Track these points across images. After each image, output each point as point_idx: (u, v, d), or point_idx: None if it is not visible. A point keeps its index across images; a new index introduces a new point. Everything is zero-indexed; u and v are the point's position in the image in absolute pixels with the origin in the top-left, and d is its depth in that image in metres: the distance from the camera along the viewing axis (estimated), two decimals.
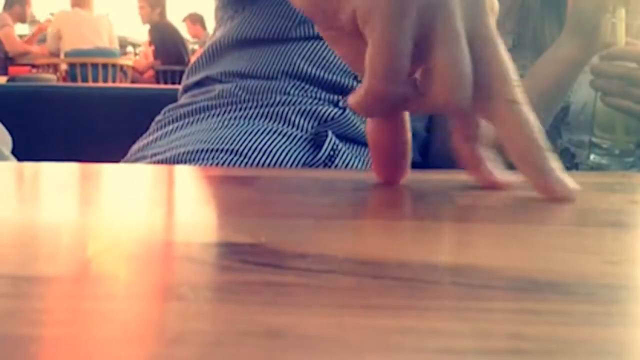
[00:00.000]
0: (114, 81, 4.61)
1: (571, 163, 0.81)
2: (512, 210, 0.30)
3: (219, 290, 0.18)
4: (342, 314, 0.16)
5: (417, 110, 0.34)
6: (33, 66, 5.19)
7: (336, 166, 0.70)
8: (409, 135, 0.36)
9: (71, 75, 4.67)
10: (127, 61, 4.96)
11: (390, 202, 0.31)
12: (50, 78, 4.28)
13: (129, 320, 0.16)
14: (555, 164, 0.32)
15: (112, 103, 1.20)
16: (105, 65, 4.58)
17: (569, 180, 0.31)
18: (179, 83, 0.94)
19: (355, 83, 0.75)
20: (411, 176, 0.36)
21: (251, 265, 0.20)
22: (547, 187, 0.31)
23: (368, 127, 0.36)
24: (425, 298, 0.17)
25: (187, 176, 0.43)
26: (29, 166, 0.48)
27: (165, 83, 5.13)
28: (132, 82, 4.97)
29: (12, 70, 5.08)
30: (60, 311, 0.16)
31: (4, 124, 0.88)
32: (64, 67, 4.82)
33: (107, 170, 0.44)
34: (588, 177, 0.43)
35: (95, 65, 4.57)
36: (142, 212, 0.29)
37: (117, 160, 0.80)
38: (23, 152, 0.91)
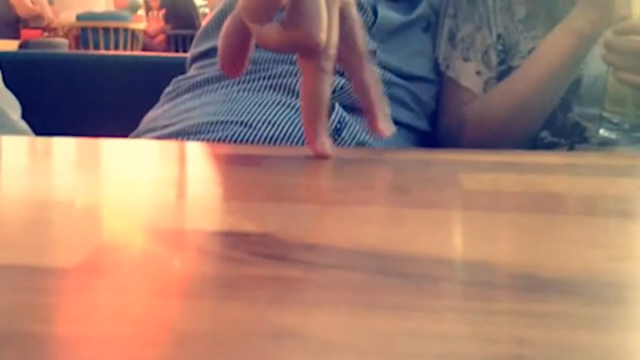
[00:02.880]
0: (125, 46, 4.59)
1: (581, 137, 0.80)
2: (519, 197, 0.30)
3: (226, 287, 0.18)
4: (349, 314, 0.16)
5: (283, 42, 0.39)
6: (44, 30, 5.17)
7: (343, 138, 0.70)
8: (325, 92, 0.42)
9: (83, 39, 4.65)
10: (138, 25, 4.93)
11: (398, 187, 0.31)
12: (62, 42, 4.26)
13: (137, 318, 0.16)
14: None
15: (123, 70, 1.20)
16: (116, 30, 4.55)
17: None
18: (190, 48, 0.94)
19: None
20: (420, 156, 0.36)
21: (259, 258, 0.20)
22: (376, 122, 0.42)
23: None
24: (432, 297, 0.17)
25: (197, 154, 0.43)
26: (41, 141, 0.49)
27: (176, 47, 5.10)
28: (144, 46, 4.95)
29: (24, 33, 5.07)
30: (72, 307, 0.17)
31: (14, 91, 0.89)
32: (75, 31, 4.80)
33: (117, 147, 0.44)
34: (598, 158, 0.43)
35: (106, 30, 4.54)
36: (151, 195, 0.30)
37: (128, 129, 0.81)
38: (34, 119, 0.91)
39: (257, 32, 0.40)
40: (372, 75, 0.45)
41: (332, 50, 0.40)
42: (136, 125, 0.83)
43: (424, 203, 0.28)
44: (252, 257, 0.20)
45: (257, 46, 0.76)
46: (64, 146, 0.47)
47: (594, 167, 0.33)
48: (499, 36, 0.82)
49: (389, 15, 0.78)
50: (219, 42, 0.43)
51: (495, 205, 0.28)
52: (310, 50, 0.39)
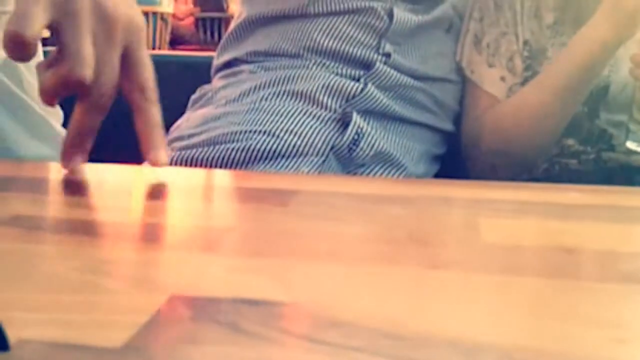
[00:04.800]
0: (154, 29, 4.62)
1: (608, 145, 0.80)
2: (535, 254, 0.31)
3: None
4: None
5: (54, 82, 0.43)
6: None
7: (362, 149, 0.72)
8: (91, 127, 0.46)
9: None
10: (167, 9, 4.95)
11: (418, 239, 0.33)
12: None
13: None
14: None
15: (159, 69, 1.22)
16: (146, 14, 4.57)
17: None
18: (218, 31, 0.95)
19: (376, 56, 0.76)
20: (440, 191, 0.37)
21: (287, 337, 0.22)
22: (151, 155, 0.46)
23: None
24: None
25: (225, 189, 0.45)
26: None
27: (205, 30, 5.11)
28: (172, 29, 4.97)
29: None
30: None
31: None
32: None
33: (148, 176, 0.46)
34: (620, 195, 0.43)
35: None
36: (169, 252, 0.32)
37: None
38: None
39: (39, 81, 0.44)
40: (154, 115, 0.48)
41: (104, 89, 0.44)
42: (165, 125, 0.85)
43: (443, 261, 0.29)
44: (283, 336, 0.22)
45: (274, 54, 0.79)
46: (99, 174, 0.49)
47: (613, 211, 0.34)
48: (525, 42, 0.82)
49: (405, 17, 0.78)
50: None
51: (512, 266, 0.29)
52: (77, 86, 0.43)
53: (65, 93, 0.44)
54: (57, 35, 0.43)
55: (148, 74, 0.48)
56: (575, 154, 0.81)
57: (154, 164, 0.46)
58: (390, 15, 0.77)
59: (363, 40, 0.77)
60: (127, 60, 0.46)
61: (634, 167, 0.80)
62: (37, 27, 0.41)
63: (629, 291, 0.26)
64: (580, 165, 0.82)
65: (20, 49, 0.40)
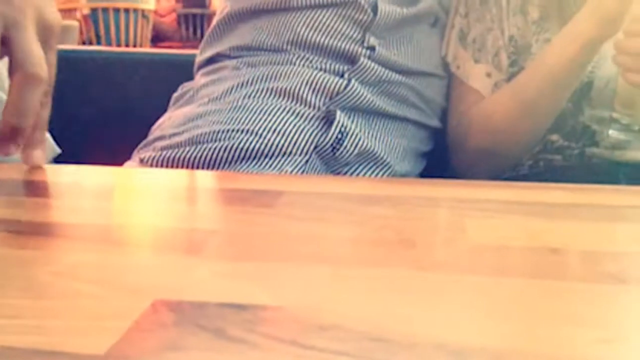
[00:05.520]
0: (135, 26, 4.58)
1: (592, 140, 0.80)
2: (522, 255, 0.31)
3: None
4: None
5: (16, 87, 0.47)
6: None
7: (345, 147, 0.71)
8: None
9: (93, 19, 4.65)
10: (148, 6, 4.91)
11: (405, 240, 0.33)
12: (72, 24, 4.26)
13: None
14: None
15: (133, 68, 1.20)
16: (127, 10, 4.55)
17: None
18: (200, 27, 0.94)
19: (360, 49, 0.76)
20: (426, 191, 0.37)
21: (273, 342, 0.22)
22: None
23: None
24: None
25: (208, 192, 0.45)
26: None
27: (187, 27, 5.08)
28: (154, 25, 4.94)
29: None
30: None
31: None
32: (85, 11, 4.80)
33: (124, 177, 0.46)
34: (601, 194, 0.43)
35: (117, 10, 4.54)
36: (154, 252, 0.31)
37: (138, 128, 0.82)
38: (52, 123, 0.93)
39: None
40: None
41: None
42: (147, 124, 0.84)
43: (431, 263, 0.29)
44: (267, 341, 0.22)
45: (257, 48, 0.78)
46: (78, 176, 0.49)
47: (598, 210, 0.34)
48: (511, 38, 0.82)
49: (390, 9, 0.78)
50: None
51: (499, 267, 0.29)
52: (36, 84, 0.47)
53: (34, 96, 0.48)
54: (8, 44, 0.47)
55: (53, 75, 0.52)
56: (559, 149, 0.81)
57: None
58: (375, 8, 0.77)
59: (347, 34, 0.76)
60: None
61: (617, 162, 0.80)
62: None
63: (615, 291, 0.26)
64: (565, 161, 0.82)
65: None
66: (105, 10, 4.54)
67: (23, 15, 0.48)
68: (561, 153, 0.82)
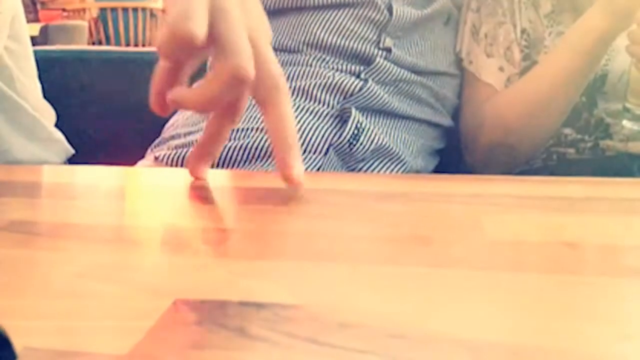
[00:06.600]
0: (144, 25, 4.60)
1: (605, 133, 0.80)
2: (539, 250, 0.31)
3: None
4: None
5: (215, 79, 0.40)
6: (63, 10, 5.19)
7: (362, 144, 0.71)
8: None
9: (102, 19, 4.67)
10: (156, 4, 4.93)
11: (421, 237, 0.33)
12: (81, 25, 4.28)
13: None
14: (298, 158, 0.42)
15: (147, 67, 1.20)
16: (135, 10, 4.57)
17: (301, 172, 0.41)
18: None
19: (376, 50, 0.76)
20: (441, 187, 0.37)
21: (294, 341, 0.22)
22: (287, 166, 0.41)
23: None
24: None
25: (222, 189, 0.45)
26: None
27: None
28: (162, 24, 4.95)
29: (43, 15, 5.09)
30: None
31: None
32: (94, 11, 4.82)
33: (146, 177, 0.46)
34: (618, 186, 0.43)
35: (125, 10, 4.56)
36: (173, 251, 0.31)
37: (156, 131, 0.83)
38: (64, 122, 0.93)
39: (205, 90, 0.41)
40: (288, 114, 0.43)
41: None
42: (157, 123, 0.84)
43: (447, 259, 0.29)
44: (288, 339, 0.22)
45: (273, 48, 0.78)
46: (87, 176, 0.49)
47: (615, 203, 0.34)
48: (523, 31, 0.82)
49: (405, 10, 0.78)
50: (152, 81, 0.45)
51: (516, 263, 0.29)
52: (242, 83, 0.40)
53: (230, 94, 0.41)
54: (211, 32, 0.39)
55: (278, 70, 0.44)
56: (572, 142, 0.81)
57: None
58: (390, 8, 0.77)
59: (363, 35, 0.76)
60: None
61: (631, 154, 0.80)
62: (205, 26, 0.38)
63: (635, 285, 0.26)
64: (578, 154, 0.82)
65: (187, 49, 0.38)
66: (114, 10, 4.57)
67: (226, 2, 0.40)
68: (574, 146, 0.81)
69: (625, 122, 0.78)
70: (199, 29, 0.37)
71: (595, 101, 0.80)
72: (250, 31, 0.41)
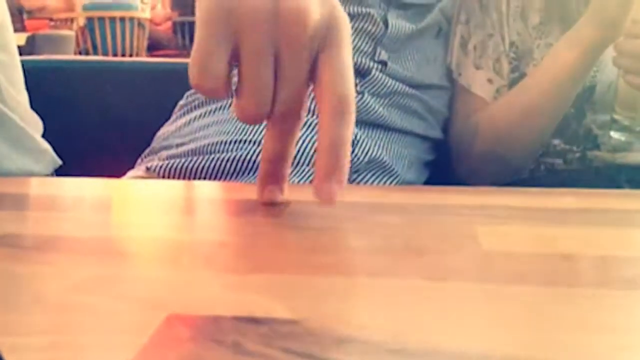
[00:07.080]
0: (132, 35, 4.59)
1: (594, 144, 0.81)
2: (533, 261, 0.31)
3: None
4: None
5: (237, 116, 0.37)
6: (50, 19, 5.17)
7: (356, 155, 0.71)
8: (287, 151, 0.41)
9: (89, 29, 4.66)
10: (144, 14, 4.93)
11: (415, 248, 0.32)
12: (68, 35, 4.26)
13: None
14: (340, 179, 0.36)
15: (136, 77, 1.19)
16: (122, 19, 4.56)
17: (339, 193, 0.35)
18: None
19: (371, 63, 0.76)
20: (433, 198, 0.37)
21: (292, 357, 0.22)
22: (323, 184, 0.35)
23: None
24: None
25: (217, 202, 0.45)
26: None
27: (182, 35, 5.10)
28: (150, 34, 4.95)
29: (29, 25, 5.07)
30: None
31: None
32: (81, 21, 4.81)
33: (136, 189, 0.46)
34: (609, 198, 0.43)
35: (112, 19, 4.56)
36: (165, 265, 0.31)
37: (144, 141, 0.82)
38: (51, 132, 0.92)
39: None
40: (341, 135, 0.36)
41: (280, 107, 0.37)
42: (145, 134, 0.84)
43: (442, 271, 0.29)
44: (287, 356, 0.22)
45: None
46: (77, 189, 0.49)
47: (608, 215, 0.34)
48: (512, 43, 0.83)
49: (399, 24, 0.78)
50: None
51: (512, 275, 0.29)
52: (255, 122, 0.38)
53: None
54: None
55: (344, 82, 0.37)
56: (560, 153, 0.82)
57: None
58: (386, 21, 0.77)
59: (359, 47, 0.76)
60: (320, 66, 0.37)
61: (619, 165, 0.80)
62: (223, 68, 0.35)
63: (631, 296, 0.26)
64: (566, 165, 0.82)
65: (212, 92, 0.36)
66: (101, 19, 4.56)
67: (254, 13, 0.35)
68: (562, 157, 0.82)
69: (612, 133, 0.79)
70: (217, 82, 0.35)
71: (583, 112, 0.80)
72: (315, 32, 0.36)
